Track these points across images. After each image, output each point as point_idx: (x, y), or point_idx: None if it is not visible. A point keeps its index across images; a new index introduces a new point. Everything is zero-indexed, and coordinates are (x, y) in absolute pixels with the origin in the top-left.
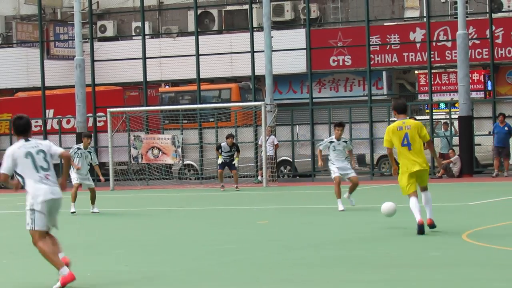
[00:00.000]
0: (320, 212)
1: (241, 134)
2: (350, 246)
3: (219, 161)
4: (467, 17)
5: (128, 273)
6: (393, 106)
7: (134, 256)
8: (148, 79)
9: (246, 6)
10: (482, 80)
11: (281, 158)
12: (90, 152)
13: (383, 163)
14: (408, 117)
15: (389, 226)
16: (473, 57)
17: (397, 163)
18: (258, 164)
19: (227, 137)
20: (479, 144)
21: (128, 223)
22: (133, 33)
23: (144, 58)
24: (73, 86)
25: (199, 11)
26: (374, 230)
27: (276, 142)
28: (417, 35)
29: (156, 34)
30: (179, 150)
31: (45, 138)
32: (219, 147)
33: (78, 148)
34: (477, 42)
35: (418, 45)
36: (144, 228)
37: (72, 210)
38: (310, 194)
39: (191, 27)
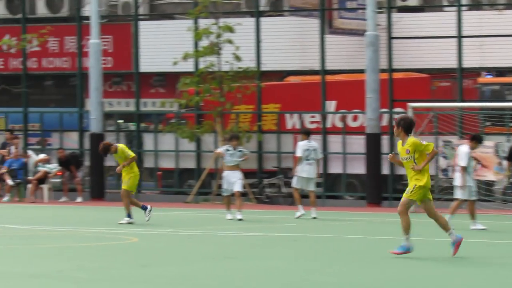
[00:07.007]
0: None
1: None
2: None
3: None
4: None
5: None
6: None
7: None
8: (464, 66)
9: None
10: None
11: None
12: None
13: None
14: None
15: None
16: None
17: None
18: None
19: None
20: None
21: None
22: (445, 3)
23: (459, 36)
24: (361, 71)
25: None
26: None
27: None
28: None
29: (475, 5)
30: (504, 162)
31: (324, 139)
32: None
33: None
34: None
35: None
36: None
37: None
38: None
39: None
